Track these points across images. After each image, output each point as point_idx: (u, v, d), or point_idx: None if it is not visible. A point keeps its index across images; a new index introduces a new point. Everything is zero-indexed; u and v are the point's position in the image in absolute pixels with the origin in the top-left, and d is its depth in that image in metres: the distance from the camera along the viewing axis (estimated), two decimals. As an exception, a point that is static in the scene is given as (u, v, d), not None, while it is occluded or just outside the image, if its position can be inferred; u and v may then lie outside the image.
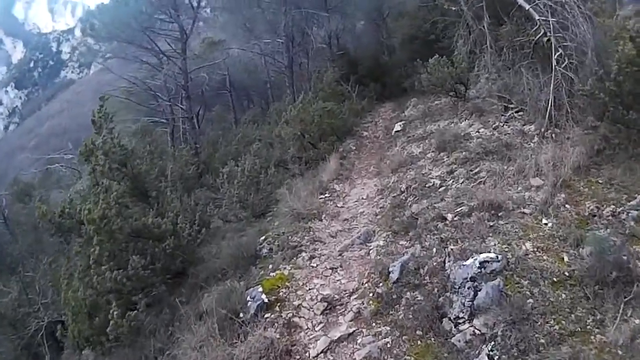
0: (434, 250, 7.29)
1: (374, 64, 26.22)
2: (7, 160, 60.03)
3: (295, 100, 19.97)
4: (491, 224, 7.29)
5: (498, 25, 14.45)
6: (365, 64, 26.12)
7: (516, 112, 11.91)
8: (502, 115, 12.15)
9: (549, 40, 10.94)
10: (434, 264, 6.99)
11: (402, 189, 10.43)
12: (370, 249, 8.60)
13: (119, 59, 27.87)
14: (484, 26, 14.23)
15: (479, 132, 11.76)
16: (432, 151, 12.02)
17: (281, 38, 26.46)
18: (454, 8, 16.83)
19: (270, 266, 8.86)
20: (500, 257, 6.23)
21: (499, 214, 7.49)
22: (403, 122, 16.86)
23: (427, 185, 9.98)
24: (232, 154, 19.88)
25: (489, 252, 6.46)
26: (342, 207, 11.24)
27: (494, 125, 11.78)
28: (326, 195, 12.14)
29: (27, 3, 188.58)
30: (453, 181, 9.69)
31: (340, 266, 8.37)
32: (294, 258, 8.90)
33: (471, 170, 9.75)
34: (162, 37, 25.62)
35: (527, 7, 12.03)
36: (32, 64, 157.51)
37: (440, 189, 9.58)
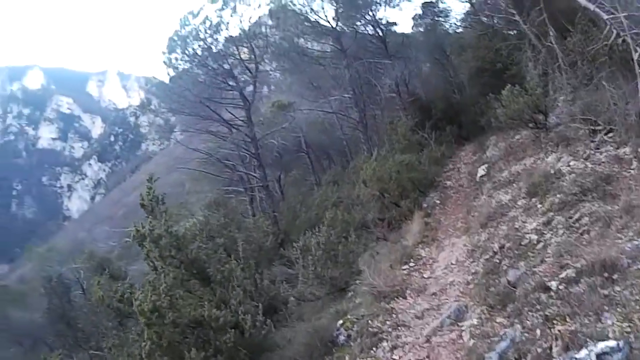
0: (538, 332, 6.01)
1: (447, 105, 25.02)
2: (93, 230, 62.49)
3: (372, 156, 19.08)
4: (605, 292, 5.92)
5: (563, 38, 13.15)
6: (438, 107, 24.88)
7: (606, 134, 10.48)
8: (591, 140, 10.71)
9: (624, 40, 9.56)
10: (539, 350, 5.71)
11: (495, 249, 9.15)
12: (463, 330, 7.37)
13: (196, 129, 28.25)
14: (551, 41, 12.98)
15: (569, 165, 10.33)
16: (523, 197, 10.67)
17: (348, 93, 26.10)
18: (512, 32, 15.72)
19: (347, 358, 7.89)
20: (621, 343, 4.91)
21: (613, 277, 6.12)
22: (486, 164, 15.59)
23: (522, 243, 8.64)
24: (312, 220, 19.23)
25: (607, 334, 5.17)
26: (429, 277, 10.05)
27: (584, 155, 10.36)
28: (411, 264, 11.01)
29: (100, 82, 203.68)
30: (552, 234, 8.32)
31: (428, 357, 7.17)
32: (374, 348, 7.88)
33: (570, 217, 8.37)
34: (229, 106, 25.95)
35: (592, 7, 10.76)
36: (112, 138, 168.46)
37: (539, 246, 8.21)
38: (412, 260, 11.24)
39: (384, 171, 15.76)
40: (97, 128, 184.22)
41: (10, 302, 27.40)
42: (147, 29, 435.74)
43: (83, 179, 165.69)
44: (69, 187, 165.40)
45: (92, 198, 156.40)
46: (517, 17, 16.23)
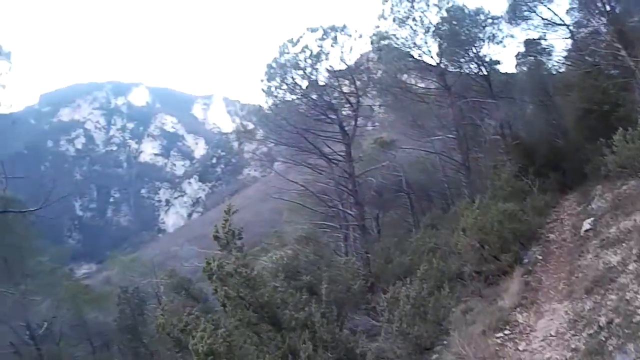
0: None
1: (550, 150, 23.54)
2: (183, 247, 64.09)
3: (474, 202, 18.11)
4: None
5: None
6: (542, 152, 23.46)
7: None
8: None
9: None
10: None
11: (601, 324, 8.02)
12: None
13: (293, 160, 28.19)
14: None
15: (688, 224, 9.09)
16: (635, 261, 9.44)
17: (452, 133, 25.32)
18: (613, 70, 14.58)
19: None
20: None
21: None
22: (592, 217, 14.26)
23: (634, 320, 7.41)
24: (405, 265, 18.80)
25: None
26: (524, 350, 9.00)
27: None
28: (505, 332, 9.99)
29: (205, 105, 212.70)
30: (669, 311, 7.23)
31: None
32: None
33: (692, 292, 7.26)
34: (329, 140, 25.76)
35: None
36: (214, 160, 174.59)
37: (653, 327, 7.12)
38: (507, 326, 10.24)
39: (486, 221, 14.83)
40: (199, 149, 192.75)
41: (87, 302, 28.22)
42: (255, 57, 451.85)
43: (182, 195, 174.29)
44: (167, 201, 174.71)
45: (189, 215, 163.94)
46: (622, 52, 15.09)
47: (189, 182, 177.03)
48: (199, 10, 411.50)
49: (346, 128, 25.44)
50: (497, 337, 9.79)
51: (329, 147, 25.98)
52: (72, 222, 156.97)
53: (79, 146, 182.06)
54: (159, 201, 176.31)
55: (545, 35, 26.14)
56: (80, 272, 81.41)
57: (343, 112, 26.22)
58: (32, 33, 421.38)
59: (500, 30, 25.90)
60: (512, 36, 26.33)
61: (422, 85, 29.33)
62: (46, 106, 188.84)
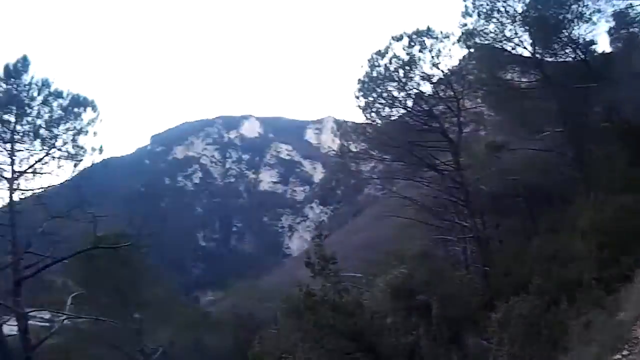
0: None
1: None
2: (301, 271, 64.55)
3: (589, 200, 16.72)
4: None
5: None
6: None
7: None
8: None
9: None
10: None
11: None
12: None
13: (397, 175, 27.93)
14: None
15: None
16: None
17: (559, 126, 23.81)
18: None
19: None
20: None
21: None
22: None
23: None
24: (525, 277, 17.36)
25: None
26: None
27: None
28: (623, 352, 8.79)
29: (317, 130, 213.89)
30: None
31: None
32: None
33: None
34: (436, 150, 25.19)
35: None
36: (333, 183, 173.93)
37: None
38: (626, 345, 9.04)
39: (603, 219, 13.69)
40: (318, 173, 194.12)
41: (206, 328, 29.23)
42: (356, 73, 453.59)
43: (304, 220, 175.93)
44: (290, 227, 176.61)
45: (313, 239, 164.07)
46: None
47: (311, 207, 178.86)
48: (298, 37, 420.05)
49: (451, 136, 24.60)
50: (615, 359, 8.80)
51: (436, 158, 25.20)
52: (196, 252, 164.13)
53: (197, 181, 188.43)
54: (282, 227, 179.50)
55: (631, 4, 24.04)
56: (206, 299, 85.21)
57: (446, 119, 25.35)
58: (136, 80, 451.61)
59: (586, 6, 23.85)
60: (599, 11, 24.31)
61: (524, 79, 27.79)
62: (158, 146, 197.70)
